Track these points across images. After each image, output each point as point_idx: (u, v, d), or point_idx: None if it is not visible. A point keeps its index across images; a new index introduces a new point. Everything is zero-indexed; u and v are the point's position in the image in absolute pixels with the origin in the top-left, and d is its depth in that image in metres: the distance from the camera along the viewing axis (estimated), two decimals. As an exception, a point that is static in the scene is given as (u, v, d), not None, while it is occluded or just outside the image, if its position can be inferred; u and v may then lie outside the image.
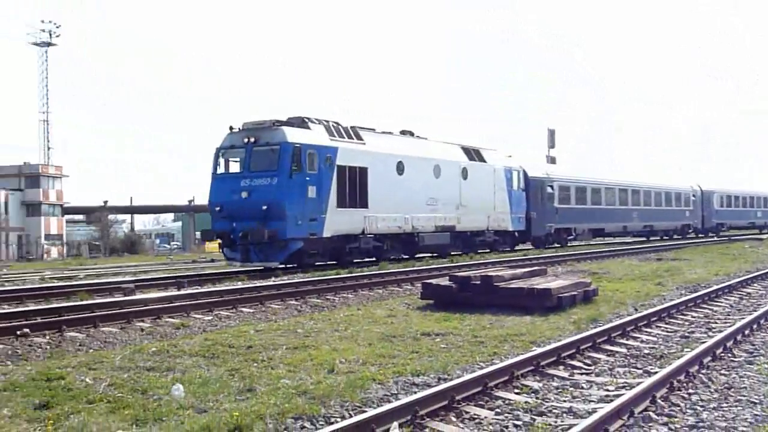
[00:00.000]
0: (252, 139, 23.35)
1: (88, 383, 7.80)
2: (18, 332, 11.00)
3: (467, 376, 7.59)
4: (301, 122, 24.45)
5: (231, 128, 24.28)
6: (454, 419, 6.59)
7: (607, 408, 6.27)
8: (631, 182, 47.72)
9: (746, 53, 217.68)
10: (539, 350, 9.19)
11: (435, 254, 29.72)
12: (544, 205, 37.44)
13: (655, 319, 12.35)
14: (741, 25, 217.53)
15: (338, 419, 6.41)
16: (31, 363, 9.31)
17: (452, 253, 30.45)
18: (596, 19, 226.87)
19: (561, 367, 8.75)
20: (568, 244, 39.92)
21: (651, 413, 6.61)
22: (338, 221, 24.40)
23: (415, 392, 7.25)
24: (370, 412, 6.18)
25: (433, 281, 15.34)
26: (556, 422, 6.48)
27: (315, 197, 23.51)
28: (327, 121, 25.44)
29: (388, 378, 8.05)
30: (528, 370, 8.30)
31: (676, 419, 6.51)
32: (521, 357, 8.66)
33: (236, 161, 24.10)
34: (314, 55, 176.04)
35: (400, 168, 27.68)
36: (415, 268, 22.81)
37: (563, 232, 39.68)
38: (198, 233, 63.75)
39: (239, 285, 17.83)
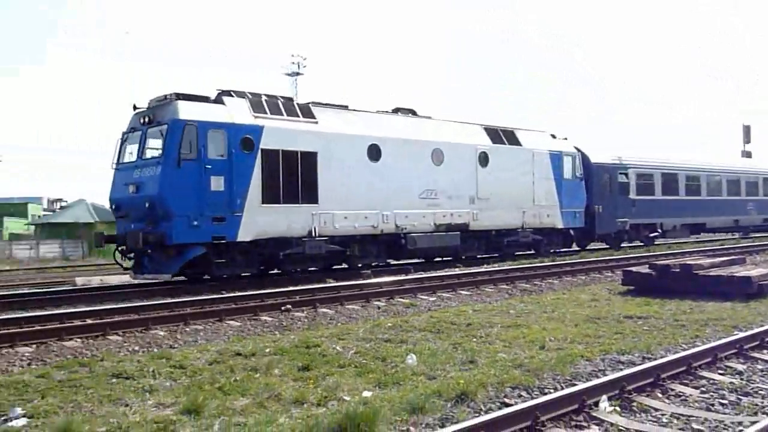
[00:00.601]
0: (148, 119, 16.31)
1: (338, 351, 8.21)
2: (282, 308, 11.85)
3: (671, 356, 7.15)
4: (218, 96, 17.02)
5: (134, 107, 17.06)
6: (660, 395, 6.22)
7: (817, 392, 5.65)
8: (745, 168, 35.99)
9: (746, 53, 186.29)
10: (742, 334, 8.45)
11: (448, 258, 21.70)
12: (615, 196, 27.06)
13: None
14: (741, 25, 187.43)
15: (551, 390, 6.28)
16: (293, 333, 9.97)
17: (465, 256, 21.78)
18: (596, 19, 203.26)
19: (765, 351, 7.98)
20: (656, 242, 29.69)
21: None
22: (265, 221, 16.68)
23: (621, 369, 6.94)
24: (581, 386, 5.99)
25: (634, 269, 14.66)
26: (762, 402, 5.93)
27: (223, 190, 15.93)
28: (258, 95, 17.67)
29: (595, 355, 7.77)
30: (731, 353, 7.66)
31: None
32: (724, 340, 8.01)
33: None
34: (313, 53, 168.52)
35: (374, 153, 19.16)
36: (614, 257, 21.75)
37: (644, 229, 28.90)
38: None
39: (457, 271, 17.99)
